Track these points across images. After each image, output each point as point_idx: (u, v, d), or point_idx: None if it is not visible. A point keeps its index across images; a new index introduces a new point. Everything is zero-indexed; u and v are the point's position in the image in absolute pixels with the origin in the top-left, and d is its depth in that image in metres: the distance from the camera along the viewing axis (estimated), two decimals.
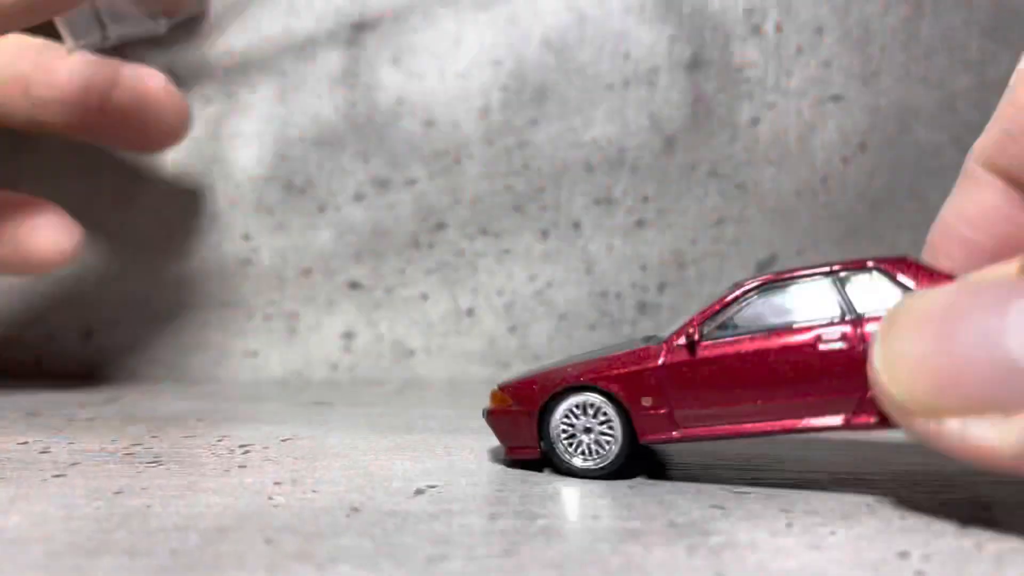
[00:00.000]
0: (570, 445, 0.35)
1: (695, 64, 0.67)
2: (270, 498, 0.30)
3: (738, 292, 0.34)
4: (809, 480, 0.34)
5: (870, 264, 0.33)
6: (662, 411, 0.34)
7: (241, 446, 0.40)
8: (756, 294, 0.34)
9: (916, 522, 0.28)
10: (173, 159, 0.68)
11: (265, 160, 0.68)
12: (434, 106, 0.68)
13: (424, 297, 0.68)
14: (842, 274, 0.33)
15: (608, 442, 0.34)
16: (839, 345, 0.31)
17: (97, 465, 0.35)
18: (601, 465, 0.34)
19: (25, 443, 0.39)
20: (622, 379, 0.34)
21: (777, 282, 0.34)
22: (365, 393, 0.60)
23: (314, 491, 0.31)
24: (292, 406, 0.54)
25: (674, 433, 0.34)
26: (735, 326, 0.34)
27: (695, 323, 0.34)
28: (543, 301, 0.67)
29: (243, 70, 0.68)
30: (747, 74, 0.67)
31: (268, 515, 0.28)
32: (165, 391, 0.61)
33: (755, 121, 0.67)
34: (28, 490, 0.31)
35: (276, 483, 0.32)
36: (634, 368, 0.34)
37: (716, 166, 0.67)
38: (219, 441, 0.41)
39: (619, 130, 0.67)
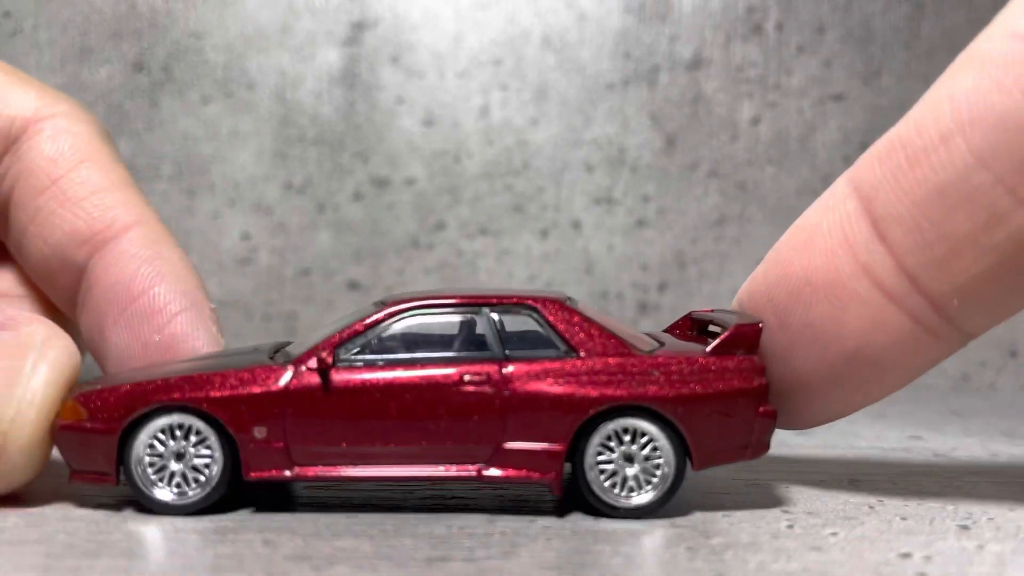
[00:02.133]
0: (155, 473, 0.29)
1: (695, 63, 0.67)
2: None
3: (382, 313, 0.30)
4: (810, 481, 0.34)
5: (528, 302, 0.31)
6: (277, 444, 0.29)
7: None
8: (403, 317, 0.30)
9: (917, 523, 0.28)
10: (173, 159, 0.68)
11: (264, 160, 0.68)
12: (434, 106, 0.68)
13: None
14: (497, 309, 0.31)
15: (199, 478, 0.29)
16: (483, 388, 0.29)
17: None
18: (189, 501, 0.29)
19: None
20: (232, 402, 0.29)
21: (428, 307, 0.31)
22: None
23: (313, 492, 0.31)
24: None
25: (287, 472, 0.29)
26: (374, 352, 0.30)
27: (329, 345, 0.30)
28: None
29: (243, 69, 0.68)
30: (748, 73, 0.67)
31: (267, 516, 0.28)
32: None
33: (756, 120, 0.67)
34: (27, 490, 0.31)
35: (276, 483, 0.32)
36: (250, 390, 0.29)
37: (717, 166, 0.67)
38: None
39: (619, 130, 0.67)
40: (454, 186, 0.68)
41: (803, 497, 0.31)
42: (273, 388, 0.29)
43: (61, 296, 0.37)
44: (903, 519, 0.28)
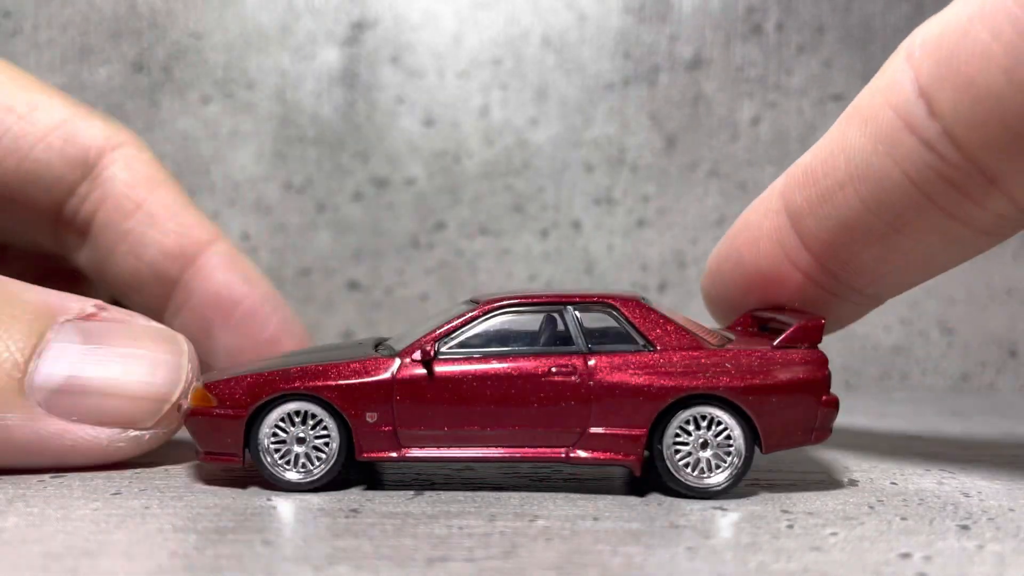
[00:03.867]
0: (280, 456, 0.32)
1: (695, 63, 0.67)
2: (269, 499, 0.30)
3: (477, 311, 0.33)
4: (810, 481, 0.34)
5: (608, 300, 0.34)
6: (386, 428, 0.32)
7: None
8: (495, 314, 0.33)
9: (917, 523, 0.28)
10: (173, 159, 0.68)
11: (264, 159, 0.68)
12: (434, 106, 0.68)
13: (423, 297, 0.68)
14: (579, 307, 0.34)
15: (321, 457, 0.32)
16: (570, 378, 0.32)
17: (95, 465, 0.35)
18: (311, 479, 0.32)
19: None
20: (347, 390, 0.32)
21: (518, 305, 0.34)
22: None
23: (313, 492, 0.31)
24: None
25: (393, 453, 0.32)
26: (471, 346, 0.33)
27: (431, 339, 0.33)
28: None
29: (243, 69, 0.68)
30: (748, 73, 0.67)
31: (267, 516, 0.28)
32: None
33: (756, 120, 0.67)
34: (26, 491, 0.31)
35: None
36: (362, 379, 0.32)
37: (717, 165, 0.67)
38: None
39: (619, 129, 0.67)
40: (454, 186, 0.68)
41: (803, 497, 0.31)
42: (382, 377, 0.32)
43: (148, 304, 0.43)
44: (903, 519, 0.28)
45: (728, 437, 0.32)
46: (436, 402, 0.32)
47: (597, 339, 0.33)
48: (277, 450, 0.32)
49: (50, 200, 0.42)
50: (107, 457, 0.34)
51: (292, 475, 0.32)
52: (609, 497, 0.31)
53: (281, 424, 0.32)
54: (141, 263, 0.43)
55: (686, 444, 0.32)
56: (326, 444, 0.32)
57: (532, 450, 0.32)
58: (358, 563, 0.23)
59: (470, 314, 0.33)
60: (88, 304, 0.36)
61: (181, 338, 0.37)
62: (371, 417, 0.32)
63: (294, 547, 0.25)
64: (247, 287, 0.45)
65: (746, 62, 0.67)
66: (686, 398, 0.32)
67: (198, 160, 0.68)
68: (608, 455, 0.32)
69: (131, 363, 0.34)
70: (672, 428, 0.32)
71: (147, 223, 0.43)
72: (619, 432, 0.32)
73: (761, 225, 0.36)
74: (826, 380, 0.32)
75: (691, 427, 0.32)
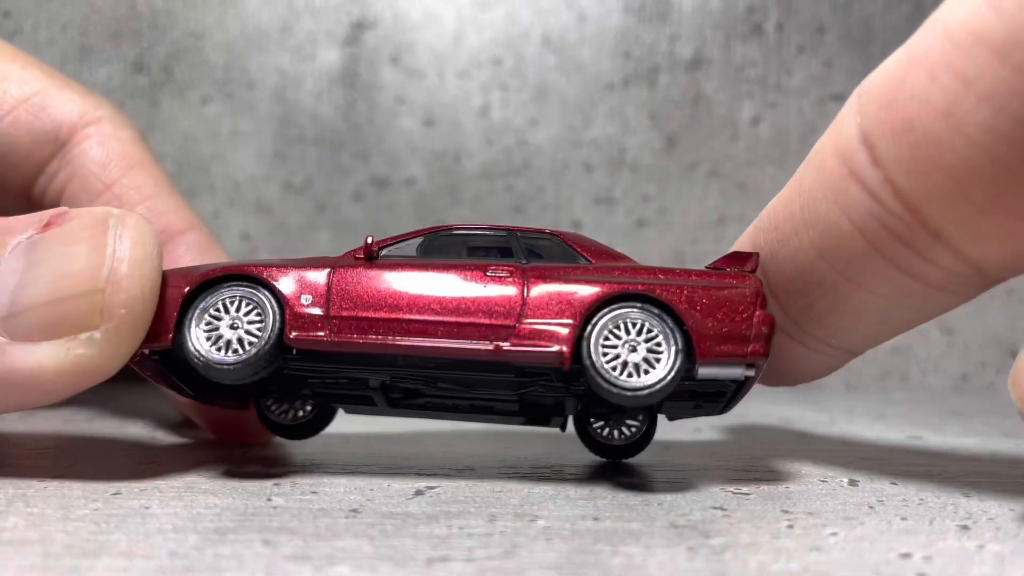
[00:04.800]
0: (213, 340, 0.32)
1: (696, 63, 0.67)
2: (269, 499, 0.30)
3: (426, 229, 0.35)
4: (810, 481, 0.34)
5: (547, 231, 0.35)
6: (317, 311, 0.32)
7: (240, 446, 0.40)
8: (443, 234, 0.35)
9: (917, 523, 0.28)
10: (173, 159, 0.68)
11: (264, 159, 0.68)
12: (434, 106, 0.68)
13: None
14: (525, 235, 0.35)
15: (253, 341, 0.32)
16: (504, 278, 0.32)
17: (95, 466, 0.35)
18: (238, 361, 0.31)
19: (23, 443, 0.39)
20: (287, 275, 0.33)
21: (464, 230, 0.35)
22: None
23: (313, 492, 0.31)
24: None
25: (322, 334, 0.32)
26: (415, 255, 0.34)
27: (378, 243, 0.34)
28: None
29: (243, 69, 0.68)
30: (748, 73, 0.67)
31: (267, 516, 0.28)
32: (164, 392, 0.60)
33: (756, 120, 0.67)
34: (26, 490, 0.31)
35: (275, 484, 0.32)
36: (303, 269, 0.33)
37: (717, 165, 0.67)
38: (218, 442, 0.41)
39: (619, 129, 0.67)
40: (454, 186, 0.68)
41: (803, 497, 0.31)
42: (322, 268, 0.33)
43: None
44: (903, 519, 0.28)
45: (659, 344, 0.31)
46: (369, 291, 0.32)
47: (538, 256, 0.34)
48: (209, 337, 0.32)
49: (19, 177, 0.40)
50: (76, 372, 0.31)
51: (220, 356, 0.32)
52: (609, 497, 0.31)
53: (215, 312, 0.32)
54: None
55: (615, 347, 0.31)
56: (259, 330, 0.32)
57: (459, 342, 0.32)
58: (358, 563, 0.23)
59: (419, 229, 0.35)
60: (46, 214, 0.33)
61: (120, 217, 0.33)
62: (306, 299, 0.32)
63: (294, 547, 0.25)
64: (123, 171, 0.41)
65: (746, 62, 0.67)
66: (617, 297, 0.32)
67: (198, 160, 0.68)
68: (538, 345, 0.31)
69: (60, 263, 0.31)
70: (600, 327, 0.32)
71: (115, 206, 0.38)
72: (548, 325, 0.32)
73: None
74: (759, 294, 0.32)
75: (621, 331, 0.32)
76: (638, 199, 0.67)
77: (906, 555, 0.25)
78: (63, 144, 0.40)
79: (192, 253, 0.41)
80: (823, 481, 0.34)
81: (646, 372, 0.31)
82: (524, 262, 0.33)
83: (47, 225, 0.32)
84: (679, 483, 0.33)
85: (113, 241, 0.31)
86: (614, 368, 0.31)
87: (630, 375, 0.31)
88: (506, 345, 0.31)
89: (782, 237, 0.33)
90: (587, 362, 0.31)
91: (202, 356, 0.31)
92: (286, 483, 0.32)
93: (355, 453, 0.38)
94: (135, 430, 0.44)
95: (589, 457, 0.38)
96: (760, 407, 0.56)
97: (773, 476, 0.35)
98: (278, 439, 0.40)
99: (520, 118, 0.68)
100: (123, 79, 0.67)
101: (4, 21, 0.67)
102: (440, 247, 0.35)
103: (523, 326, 0.32)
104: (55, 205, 0.39)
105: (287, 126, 0.68)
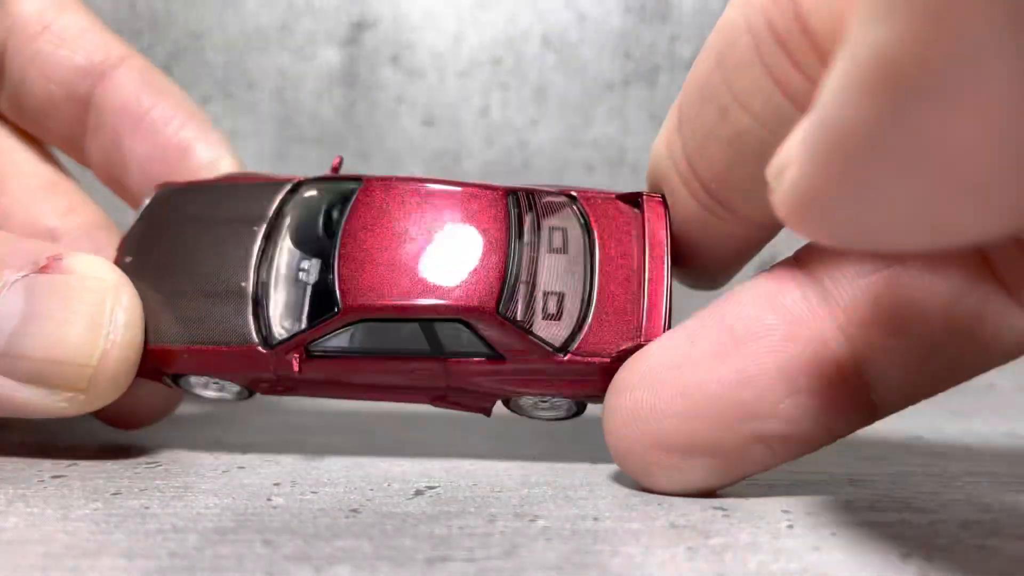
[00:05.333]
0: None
1: None
2: (269, 499, 0.30)
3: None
4: (810, 481, 0.34)
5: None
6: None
7: (240, 447, 0.40)
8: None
9: (918, 523, 0.28)
10: None
11: (264, 159, 0.68)
12: (434, 106, 0.68)
13: None
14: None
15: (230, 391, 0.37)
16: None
17: (95, 466, 0.35)
18: (219, 398, 0.37)
19: (23, 443, 0.39)
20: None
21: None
22: None
23: (313, 492, 0.31)
24: (291, 407, 0.54)
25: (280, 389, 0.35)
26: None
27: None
28: None
29: (243, 69, 0.68)
30: None
31: (267, 516, 0.28)
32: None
33: None
34: (26, 491, 0.31)
35: (275, 484, 0.32)
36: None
37: None
38: (218, 442, 0.41)
39: (619, 129, 0.67)
40: None
41: (803, 497, 0.31)
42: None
43: (62, 131, 0.42)
44: (903, 519, 0.28)
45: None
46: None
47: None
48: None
49: None
50: (55, 415, 0.34)
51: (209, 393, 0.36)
52: (609, 497, 0.31)
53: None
54: (52, 83, 0.42)
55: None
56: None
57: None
58: (358, 563, 0.23)
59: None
60: (43, 254, 0.35)
61: (114, 294, 0.35)
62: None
63: (294, 547, 0.25)
64: (159, 97, 0.43)
65: None
66: None
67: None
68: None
69: (55, 323, 0.34)
70: None
71: (56, 43, 0.41)
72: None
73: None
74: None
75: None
76: None
77: (906, 555, 0.25)
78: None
79: (135, 74, 0.43)
80: (823, 481, 0.34)
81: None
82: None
83: (44, 268, 0.34)
84: None
85: (108, 322, 0.34)
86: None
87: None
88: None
89: (701, 53, 0.32)
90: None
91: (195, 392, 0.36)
92: (286, 483, 0.32)
93: (355, 453, 0.38)
94: (135, 430, 0.44)
95: (589, 457, 0.38)
96: None
97: (773, 476, 0.35)
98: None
99: (520, 118, 0.68)
100: None
101: None
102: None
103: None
104: (0, 57, 0.42)
105: (287, 126, 0.68)
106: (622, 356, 0.32)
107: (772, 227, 0.34)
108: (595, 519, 0.28)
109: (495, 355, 0.33)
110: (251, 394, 0.36)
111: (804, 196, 0.21)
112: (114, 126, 0.42)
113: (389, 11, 0.68)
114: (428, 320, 0.32)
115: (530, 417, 0.36)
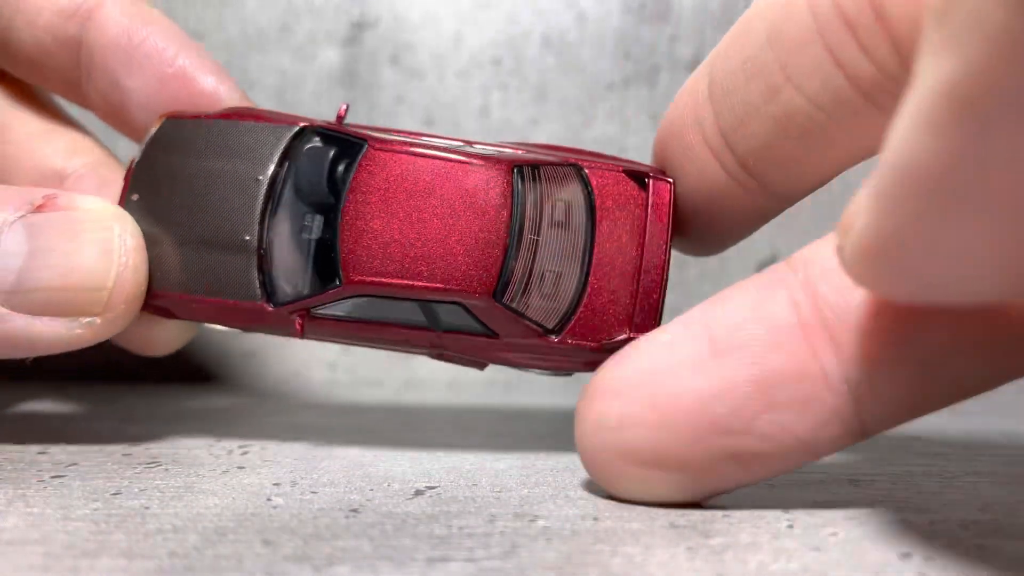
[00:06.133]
0: None
1: (696, 63, 0.67)
2: (269, 499, 0.30)
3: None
4: (810, 481, 0.34)
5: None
6: None
7: (240, 447, 0.40)
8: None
9: (918, 523, 0.28)
10: None
11: None
12: (434, 106, 0.68)
13: None
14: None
15: None
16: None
17: (95, 466, 0.35)
18: None
19: (23, 444, 0.39)
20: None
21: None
22: (365, 393, 0.60)
23: (313, 492, 0.31)
24: (291, 407, 0.54)
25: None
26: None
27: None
28: None
29: (242, 69, 0.68)
30: None
31: (267, 516, 0.28)
32: (163, 392, 0.60)
33: None
34: (25, 491, 0.31)
35: (275, 484, 0.32)
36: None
37: None
38: (217, 442, 0.41)
39: (619, 130, 0.67)
40: None
41: (803, 497, 0.31)
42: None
43: (58, 77, 0.42)
44: (904, 519, 0.28)
45: None
46: None
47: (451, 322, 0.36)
48: None
49: None
50: (72, 344, 0.36)
51: None
52: (609, 497, 0.31)
53: None
54: (39, 30, 0.42)
55: None
56: None
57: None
58: (358, 563, 0.23)
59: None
60: (38, 195, 0.36)
61: (119, 220, 0.36)
62: None
63: (294, 547, 0.25)
64: (147, 27, 0.43)
65: None
66: None
67: None
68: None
69: (66, 253, 0.35)
70: None
71: None
72: None
73: (686, 83, 0.35)
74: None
75: None
76: None
77: (906, 555, 0.25)
78: None
79: (122, 7, 0.42)
80: (823, 481, 0.34)
81: None
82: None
83: (40, 207, 0.35)
84: None
85: (120, 246, 0.36)
86: None
87: None
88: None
89: (741, 25, 0.32)
90: None
91: None
92: (286, 483, 0.32)
93: (355, 453, 0.38)
94: (135, 430, 0.44)
95: None
96: None
97: (773, 476, 0.35)
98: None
99: (520, 118, 0.68)
100: None
101: None
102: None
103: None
104: None
105: None
106: (611, 347, 0.32)
107: (798, 198, 0.34)
108: (595, 519, 0.28)
109: (489, 332, 0.33)
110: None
111: (874, 247, 0.20)
112: (108, 64, 0.42)
113: (389, 11, 0.68)
114: (426, 300, 0.33)
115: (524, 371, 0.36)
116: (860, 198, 0.21)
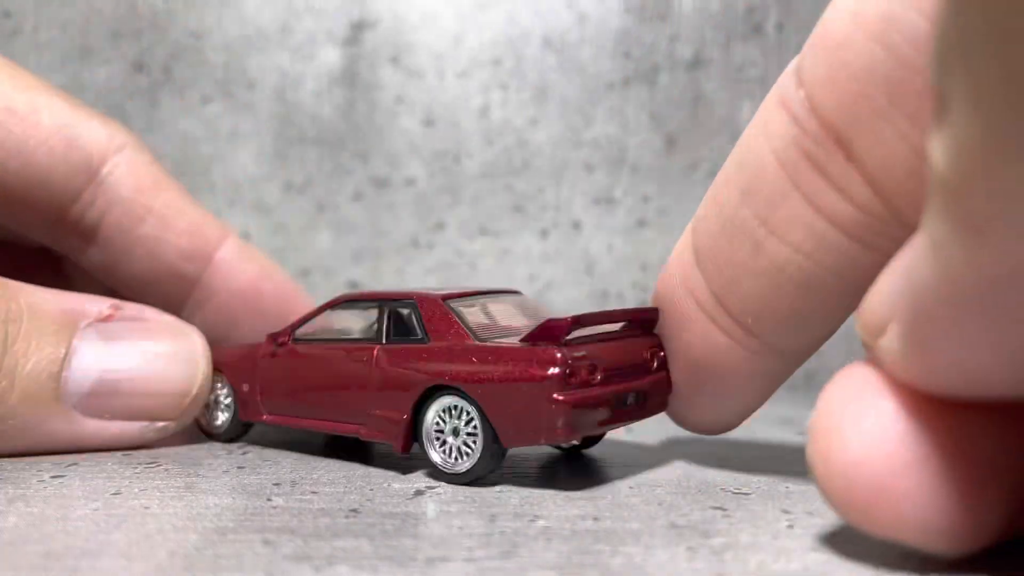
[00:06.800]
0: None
1: (696, 63, 0.67)
2: (269, 499, 0.30)
3: (323, 304, 0.39)
4: (810, 481, 0.34)
5: (407, 297, 0.36)
6: (256, 397, 0.39)
7: (240, 447, 0.40)
8: (337, 308, 0.39)
9: None
10: (173, 159, 0.68)
11: (264, 159, 0.68)
12: (434, 106, 0.68)
13: None
14: (392, 303, 0.37)
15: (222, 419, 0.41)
16: (364, 365, 0.36)
17: (95, 466, 0.35)
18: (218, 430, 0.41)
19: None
20: (231, 364, 0.41)
21: (352, 300, 0.39)
22: None
23: (313, 492, 0.31)
24: None
25: (264, 416, 0.39)
26: (315, 333, 0.39)
27: (290, 327, 0.39)
28: (543, 301, 0.67)
29: (243, 69, 0.68)
30: (748, 73, 0.67)
31: (267, 516, 0.28)
32: None
33: None
34: (26, 491, 0.31)
35: (275, 484, 0.32)
36: (241, 355, 0.40)
37: (717, 165, 0.67)
38: (218, 442, 0.41)
39: (619, 129, 0.67)
40: (454, 186, 0.68)
41: (803, 497, 0.31)
42: (255, 354, 0.40)
43: (166, 300, 0.45)
44: None
45: (475, 427, 0.33)
46: (280, 378, 0.39)
47: (397, 331, 0.36)
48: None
49: (54, 204, 0.42)
50: (138, 443, 0.39)
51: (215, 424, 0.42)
52: (609, 497, 0.31)
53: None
54: (158, 264, 0.44)
55: (442, 431, 0.34)
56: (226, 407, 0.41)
57: (342, 425, 0.36)
58: (358, 563, 0.23)
59: (320, 306, 0.39)
60: (104, 305, 0.38)
61: (194, 331, 0.40)
62: (245, 387, 0.40)
63: (294, 547, 0.25)
64: (266, 277, 0.47)
65: (746, 62, 0.67)
66: (437, 388, 0.34)
67: (198, 160, 0.68)
68: (380, 435, 0.35)
69: (151, 361, 0.38)
70: (430, 414, 0.34)
71: (160, 227, 0.44)
72: (388, 412, 0.35)
73: (675, 250, 0.34)
74: (556, 378, 0.31)
75: (446, 415, 0.34)
76: (638, 199, 0.67)
77: (906, 555, 0.25)
78: (96, 171, 0.43)
79: (238, 258, 0.46)
80: None
81: (466, 455, 0.33)
82: (384, 341, 0.36)
83: (108, 317, 0.38)
84: (679, 483, 0.33)
85: (201, 359, 0.39)
86: (443, 450, 0.34)
87: (456, 459, 0.33)
88: (363, 431, 0.35)
89: (714, 191, 0.32)
90: (419, 447, 0.34)
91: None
92: (286, 483, 0.32)
93: (355, 454, 0.38)
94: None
95: (588, 459, 0.38)
96: (761, 408, 0.56)
97: (773, 476, 0.35)
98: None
99: (520, 118, 0.68)
100: (123, 79, 0.67)
101: (4, 21, 0.67)
102: (336, 322, 0.39)
103: (374, 412, 0.35)
104: (94, 231, 0.43)
105: (287, 126, 0.68)
106: None
107: (807, 355, 0.33)
108: (595, 519, 0.28)
109: None
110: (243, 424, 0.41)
111: (914, 353, 0.21)
112: (231, 308, 0.46)
113: (389, 11, 0.68)
114: None
115: (442, 471, 0.35)
116: (882, 300, 0.22)
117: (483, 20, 0.68)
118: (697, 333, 0.33)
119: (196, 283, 0.45)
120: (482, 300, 0.37)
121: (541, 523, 0.28)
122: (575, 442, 0.38)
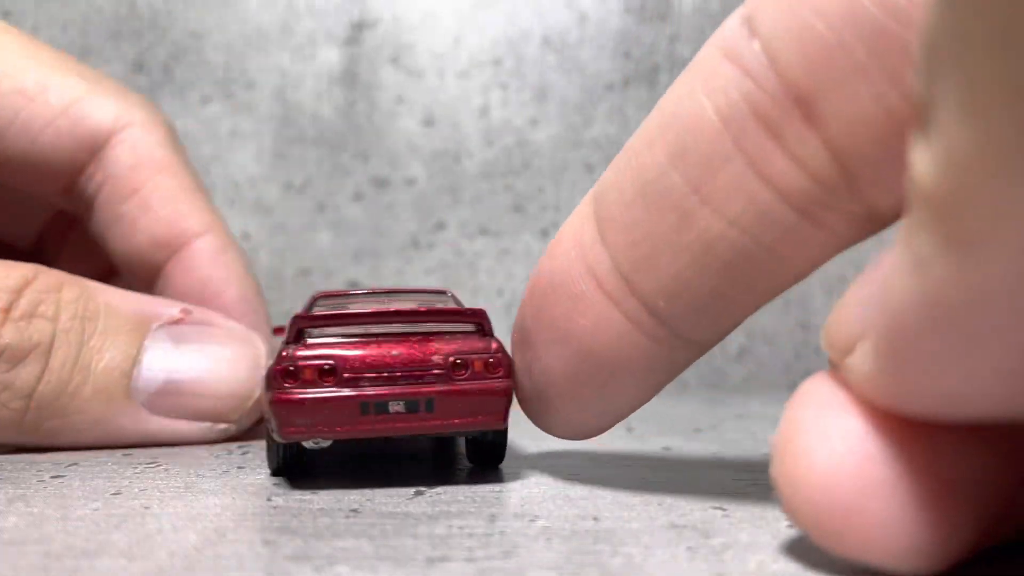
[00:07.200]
0: None
1: None
2: (269, 499, 0.30)
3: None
4: None
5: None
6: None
7: (240, 446, 0.40)
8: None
9: None
10: None
11: (264, 159, 0.68)
12: (434, 106, 0.68)
13: None
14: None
15: None
16: None
17: (95, 466, 0.35)
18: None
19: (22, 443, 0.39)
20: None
21: (332, 296, 0.37)
22: None
23: (313, 492, 0.31)
24: None
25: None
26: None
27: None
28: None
29: (243, 69, 0.68)
30: None
31: (267, 516, 0.28)
32: None
33: None
34: (26, 490, 0.31)
35: (275, 484, 0.32)
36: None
37: None
38: (218, 442, 0.41)
39: (619, 129, 0.67)
40: (454, 186, 0.68)
41: None
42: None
43: (138, 286, 0.44)
44: None
45: None
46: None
47: None
48: None
49: (61, 179, 0.43)
50: (199, 441, 0.40)
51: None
52: (609, 497, 0.31)
53: None
54: (130, 247, 0.44)
55: None
56: None
57: None
58: (358, 563, 0.23)
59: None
60: (175, 309, 0.40)
61: (257, 337, 0.41)
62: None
63: (294, 547, 0.25)
64: (223, 287, 0.45)
65: None
66: None
67: (198, 160, 0.68)
68: None
69: (217, 364, 0.39)
70: None
71: (141, 208, 0.43)
72: None
73: (566, 226, 0.30)
74: (274, 374, 0.30)
75: None
76: None
77: None
78: (100, 149, 0.43)
79: (204, 256, 0.44)
80: None
81: None
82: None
83: (179, 321, 0.39)
84: (679, 483, 0.33)
85: (264, 365, 0.38)
86: None
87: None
88: None
89: (629, 154, 0.28)
90: None
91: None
92: (286, 483, 0.32)
93: (355, 454, 0.38)
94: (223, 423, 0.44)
95: (590, 458, 0.38)
96: (761, 407, 0.56)
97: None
98: None
99: (520, 118, 0.68)
100: (123, 79, 0.67)
101: (4, 21, 0.67)
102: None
103: None
104: (91, 202, 0.44)
105: (287, 126, 0.68)
106: None
107: (711, 345, 0.29)
108: (595, 519, 0.28)
109: None
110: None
111: (888, 374, 0.20)
112: (182, 300, 0.44)
113: (389, 11, 0.68)
114: None
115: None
116: (853, 313, 0.20)
117: (483, 20, 0.68)
118: (592, 318, 0.28)
119: (160, 273, 0.45)
120: (384, 299, 0.36)
121: (541, 523, 0.28)
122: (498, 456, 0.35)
